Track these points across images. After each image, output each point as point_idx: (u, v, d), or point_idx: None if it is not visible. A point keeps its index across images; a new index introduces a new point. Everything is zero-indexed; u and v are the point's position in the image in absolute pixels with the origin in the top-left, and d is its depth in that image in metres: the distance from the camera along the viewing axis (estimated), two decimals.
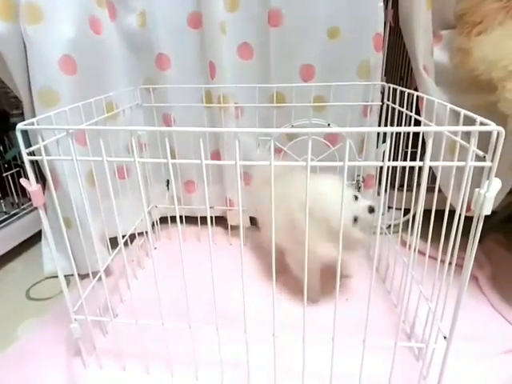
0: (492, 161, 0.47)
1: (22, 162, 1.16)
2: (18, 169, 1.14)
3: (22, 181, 0.57)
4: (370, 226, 0.79)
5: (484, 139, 0.49)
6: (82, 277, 0.83)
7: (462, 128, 0.48)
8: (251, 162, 0.53)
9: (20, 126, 0.55)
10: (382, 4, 0.95)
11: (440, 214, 0.59)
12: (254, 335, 0.62)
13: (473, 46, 0.87)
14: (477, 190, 0.49)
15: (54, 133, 0.60)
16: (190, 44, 1.03)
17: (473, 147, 0.48)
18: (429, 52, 0.99)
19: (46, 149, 0.62)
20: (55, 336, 0.79)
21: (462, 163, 0.48)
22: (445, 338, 0.60)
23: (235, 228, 1.18)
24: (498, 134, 0.45)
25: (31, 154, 0.57)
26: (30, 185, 0.57)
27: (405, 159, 0.95)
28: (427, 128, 0.46)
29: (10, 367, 0.74)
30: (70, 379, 0.70)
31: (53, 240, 0.63)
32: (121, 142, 1.00)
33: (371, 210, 0.75)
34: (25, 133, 0.56)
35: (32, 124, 0.58)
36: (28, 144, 0.82)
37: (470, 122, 0.52)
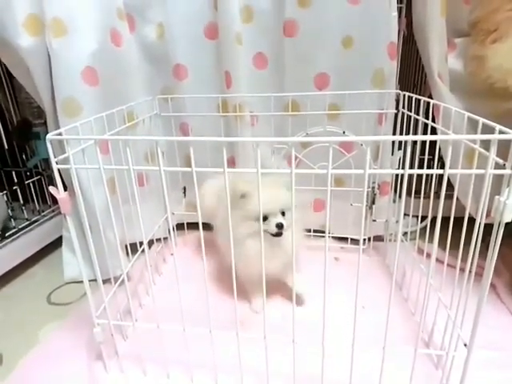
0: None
1: (43, 170, 1.20)
2: (39, 177, 1.18)
3: (51, 189, 0.59)
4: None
5: (502, 146, 0.49)
6: (103, 282, 0.85)
7: (481, 136, 0.49)
8: (272, 170, 0.55)
9: (50, 136, 0.57)
10: (395, 13, 0.96)
11: (455, 221, 0.60)
12: (273, 341, 0.62)
13: (487, 53, 0.87)
14: (497, 197, 0.50)
15: (80, 142, 0.63)
16: (207, 54, 1.05)
17: (493, 155, 0.48)
18: (443, 60, 1.00)
19: (71, 156, 0.64)
20: (76, 340, 0.81)
21: (481, 171, 0.48)
22: (465, 345, 0.60)
23: None
24: None
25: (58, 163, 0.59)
26: (59, 192, 0.59)
27: (420, 166, 0.96)
28: (446, 136, 0.47)
29: (31, 371, 0.76)
30: (92, 383, 0.71)
31: (75, 244, 0.65)
32: (140, 150, 1.03)
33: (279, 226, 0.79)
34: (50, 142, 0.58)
35: (59, 134, 0.60)
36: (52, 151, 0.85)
37: (487, 129, 0.52)
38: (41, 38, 0.84)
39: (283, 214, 0.81)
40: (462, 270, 0.59)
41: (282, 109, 1.05)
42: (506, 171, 0.48)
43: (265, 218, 0.79)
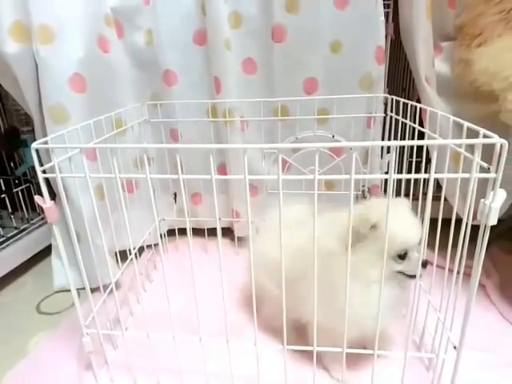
0: (496, 172, 0.48)
1: (32, 178, 1.19)
2: (27, 184, 1.16)
3: (37, 198, 0.59)
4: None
5: (487, 149, 0.50)
6: (92, 290, 0.84)
7: (465, 141, 0.49)
8: (259, 176, 0.55)
9: (35, 145, 0.57)
10: (383, 18, 0.98)
11: (443, 222, 0.60)
12: (264, 348, 0.62)
13: (473, 57, 0.89)
14: (482, 200, 0.50)
15: (67, 150, 0.62)
16: (196, 60, 1.05)
17: (477, 159, 0.49)
18: (430, 63, 1.01)
19: (58, 164, 0.63)
20: (66, 350, 0.80)
21: (466, 175, 0.49)
22: (455, 347, 0.60)
23: (242, 239, 1.19)
24: (502, 146, 0.47)
25: (44, 171, 0.59)
26: (45, 202, 0.58)
27: (409, 168, 0.97)
28: (432, 141, 0.48)
29: (21, 382, 0.74)
30: None
31: (65, 254, 0.64)
32: (129, 156, 1.02)
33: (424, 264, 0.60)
34: (36, 150, 0.58)
35: (45, 143, 0.60)
36: (39, 159, 0.84)
37: (473, 133, 0.53)
38: (27, 45, 0.83)
39: None
40: (452, 271, 0.59)
41: (272, 113, 1.05)
42: (491, 175, 0.49)
43: (404, 255, 0.60)
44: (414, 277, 0.60)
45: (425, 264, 0.59)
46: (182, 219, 1.16)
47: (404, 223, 0.56)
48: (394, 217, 0.51)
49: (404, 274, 0.61)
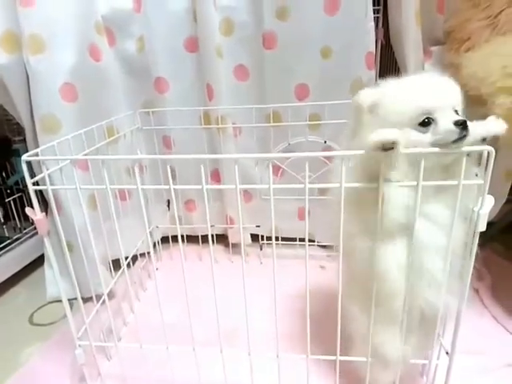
0: (484, 179, 0.48)
1: (24, 187, 1.18)
2: (19, 194, 1.15)
3: (27, 210, 0.58)
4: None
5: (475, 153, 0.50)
6: (85, 300, 0.83)
7: (452, 150, 0.49)
8: (250, 185, 0.55)
9: (25, 157, 0.56)
10: (372, 24, 0.98)
11: None
12: (258, 357, 0.62)
13: (462, 62, 0.89)
14: (470, 207, 0.50)
15: (58, 162, 0.62)
16: (188, 67, 1.06)
17: (464, 166, 0.49)
18: (420, 68, 1.02)
19: (49, 175, 0.63)
20: (59, 362, 0.79)
21: (454, 182, 0.49)
22: (447, 353, 0.60)
23: (236, 245, 1.19)
24: (489, 153, 0.47)
25: (35, 183, 0.58)
26: (35, 214, 0.58)
27: None
28: (419, 150, 0.48)
29: None
30: None
31: (57, 265, 0.64)
32: (121, 164, 1.02)
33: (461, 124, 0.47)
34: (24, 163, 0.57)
35: (36, 154, 0.60)
36: (31, 170, 0.84)
37: None
38: (18, 55, 0.83)
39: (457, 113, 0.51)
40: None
41: (264, 119, 1.06)
42: (479, 181, 0.49)
43: (428, 122, 0.49)
44: (455, 141, 0.47)
45: (462, 123, 0.46)
46: (175, 226, 1.15)
47: (418, 84, 0.49)
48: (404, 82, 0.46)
49: (438, 144, 0.48)
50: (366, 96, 0.52)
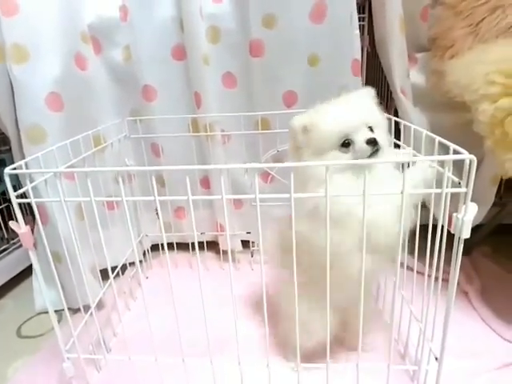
0: (467, 187, 0.49)
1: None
2: (6, 204, 1.14)
3: (11, 223, 0.58)
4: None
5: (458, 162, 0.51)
6: (74, 311, 0.82)
7: (435, 157, 0.50)
8: (237, 195, 0.55)
9: (7, 170, 0.56)
10: (357, 31, 1.00)
11: (422, 228, 0.62)
12: (248, 366, 0.62)
13: (446, 68, 0.91)
14: (454, 214, 0.51)
15: (43, 173, 0.61)
16: (175, 75, 1.05)
17: (447, 174, 0.50)
18: (405, 74, 1.03)
19: (36, 186, 0.62)
20: (47, 375, 0.78)
21: (438, 190, 0.50)
22: (436, 359, 0.61)
23: (227, 253, 1.18)
24: (471, 161, 0.48)
25: (20, 195, 0.58)
26: (20, 227, 0.57)
27: None
28: (403, 159, 0.49)
29: None
30: None
31: (42, 276, 0.63)
32: (109, 172, 1.01)
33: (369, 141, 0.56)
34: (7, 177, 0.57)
35: (20, 166, 0.59)
36: (17, 181, 0.83)
37: (446, 146, 0.54)
38: (1, 64, 0.82)
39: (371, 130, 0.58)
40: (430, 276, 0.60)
41: (253, 126, 1.06)
42: (462, 190, 0.50)
43: (347, 144, 0.57)
44: (371, 156, 0.56)
45: (373, 142, 0.55)
46: (165, 234, 1.14)
47: (335, 110, 0.55)
48: (328, 107, 0.52)
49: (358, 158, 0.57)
50: (299, 121, 0.59)
